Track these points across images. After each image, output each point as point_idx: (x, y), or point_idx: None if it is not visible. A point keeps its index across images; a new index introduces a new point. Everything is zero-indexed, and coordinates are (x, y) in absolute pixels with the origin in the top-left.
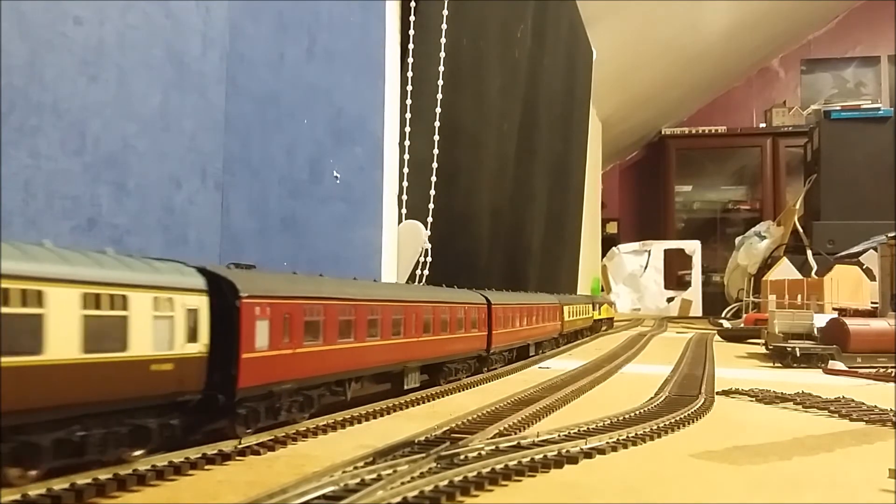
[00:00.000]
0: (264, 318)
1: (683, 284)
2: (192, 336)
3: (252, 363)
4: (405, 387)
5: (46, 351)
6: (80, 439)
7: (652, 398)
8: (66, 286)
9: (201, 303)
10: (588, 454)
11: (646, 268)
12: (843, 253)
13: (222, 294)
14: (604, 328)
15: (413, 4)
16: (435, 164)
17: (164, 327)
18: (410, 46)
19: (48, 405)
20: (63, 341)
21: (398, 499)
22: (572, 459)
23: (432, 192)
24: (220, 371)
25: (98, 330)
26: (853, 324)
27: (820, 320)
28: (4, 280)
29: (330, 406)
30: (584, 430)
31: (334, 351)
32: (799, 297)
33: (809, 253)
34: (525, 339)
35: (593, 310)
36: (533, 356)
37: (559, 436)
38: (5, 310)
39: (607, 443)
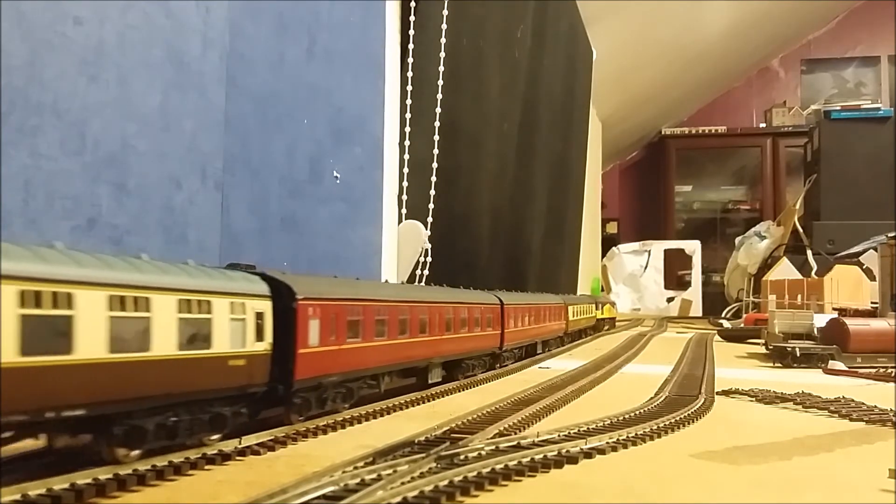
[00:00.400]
0: (315, 317)
1: (683, 284)
2: (259, 335)
3: (306, 358)
4: (429, 381)
5: (152, 348)
6: (174, 424)
7: (652, 398)
8: (166, 294)
9: (266, 307)
10: (588, 454)
11: (646, 268)
12: (843, 253)
13: (281, 296)
14: (606, 327)
15: (413, 4)
16: (435, 164)
17: (238, 328)
18: (410, 46)
19: (152, 394)
20: (163, 340)
21: (398, 499)
22: (572, 459)
23: (432, 192)
24: (280, 365)
25: (189, 331)
26: (853, 324)
27: (820, 320)
28: (122, 289)
29: (366, 398)
30: (584, 430)
31: (371, 347)
32: (799, 297)
33: (809, 253)
34: (533, 337)
35: (596, 309)
36: (540, 353)
37: (559, 436)
38: (123, 314)
39: (607, 443)
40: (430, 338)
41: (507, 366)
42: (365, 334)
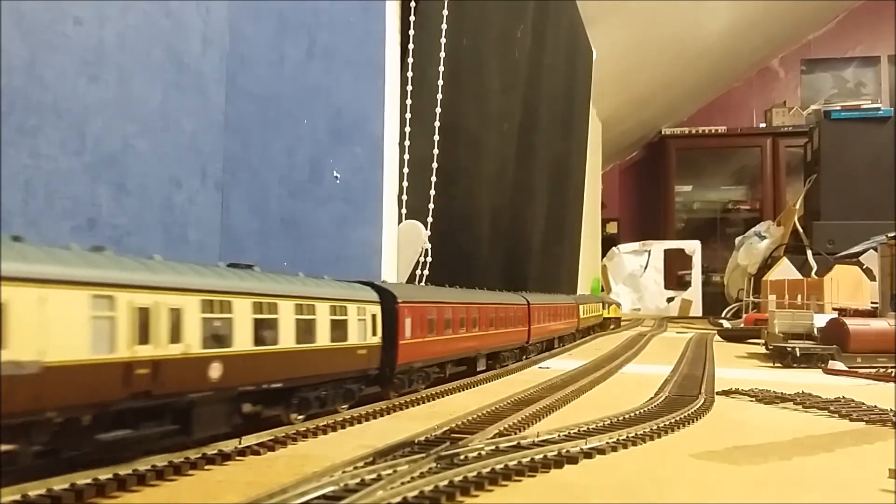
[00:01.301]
0: (409, 317)
1: (683, 284)
2: (374, 331)
3: (404, 348)
4: (476, 369)
5: (317, 341)
6: (324, 396)
7: (652, 398)
8: (323, 302)
9: (378, 310)
10: (588, 454)
11: (646, 268)
12: (843, 253)
13: (387, 301)
14: (612, 326)
15: (413, 4)
16: (435, 164)
17: (362, 326)
18: (410, 46)
19: (315, 374)
20: (322, 335)
21: (398, 499)
22: (572, 459)
23: (432, 192)
24: (386, 353)
25: (335, 328)
26: (853, 324)
27: (820, 320)
28: (302, 299)
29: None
30: (584, 431)
31: (442, 340)
32: (799, 297)
33: (809, 253)
34: (552, 333)
35: (603, 309)
36: (557, 347)
37: (559, 436)
38: (302, 316)
39: (607, 443)
40: (479, 333)
41: (530, 357)
42: (438, 330)
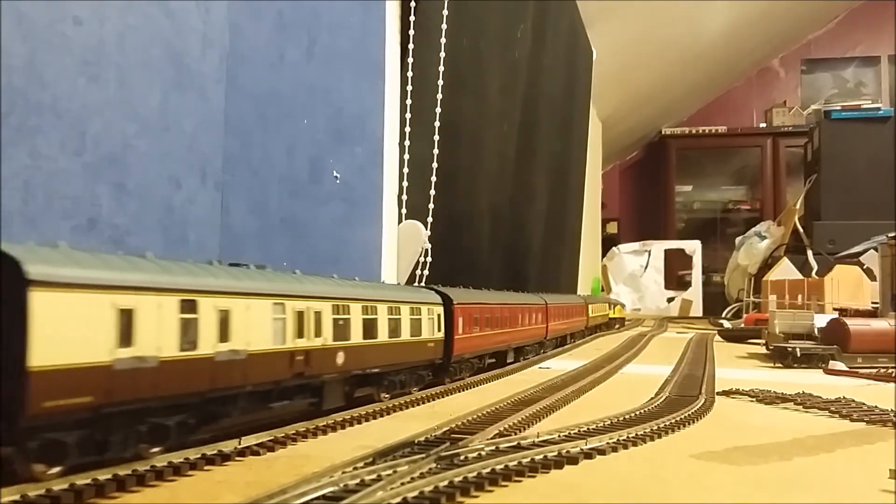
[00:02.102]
0: (461, 315)
1: (684, 284)
2: (439, 328)
3: (458, 342)
4: (506, 361)
5: (401, 335)
6: (403, 380)
7: (652, 398)
8: (405, 304)
9: (441, 310)
10: (588, 455)
11: (646, 268)
12: (843, 253)
13: (446, 302)
14: (617, 325)
15: (413, 4)
16: (435, 164)
17: (431, 324)
18: (410, 46)
19: (399, 362)
20: (405, 331)
21: (398, 499)
22: (572, 460)
23: (432, 192)
24: (446, 346)
25: (413, 325)
26: (854, 324)
27: (820, 320)
28: (391, 302)
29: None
30: (584, 431)
31: (484, 336)
32: (799, 297)
33: (810, 253)
34: (566, 330)
35: (609, 309)
36: (569, 343)
37: (559, 436)
38: (392, 316)
39: (607, 443)
40: (510, 330)
41: (546, 352)
42: (480, 327)
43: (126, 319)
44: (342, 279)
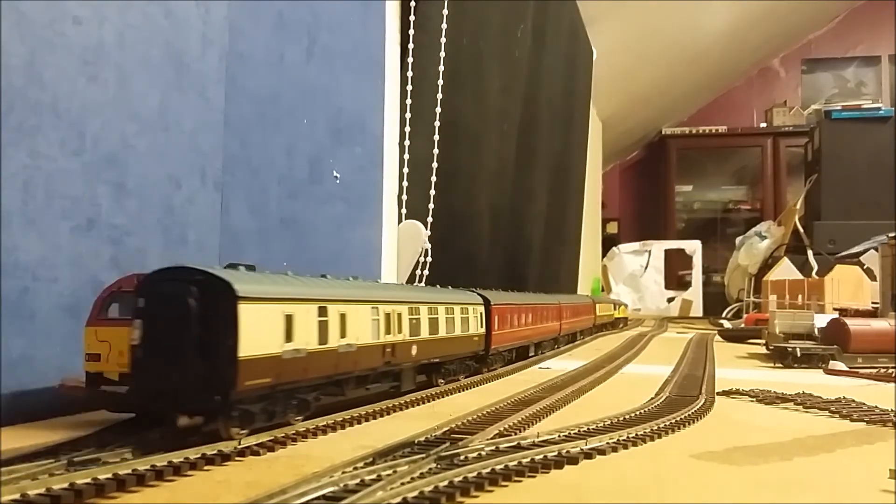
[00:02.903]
0: (497, 314)
1: (684, 284)
2: (481, 325)
3: (495, 336)
4: (528, 355)
5: (456, 331)
6: (455, 368)
7: (652, 398)
8: (458, 305)
9: (483, 310)
10: (588, 455)
11: (646, 268)
12: (843, 253)
13: (486, 303)
14: (621, 325)
15: (413, 4)
16: (435, 164)
17: (475, 321)
18: (410, 46)
19: (454, 353)
20: (458, 327)
21: (398, 499)
22: (572, 460)
23: (432, 192)
24: (486, 340)
25: (463, 322)
26: (854, 324)
27: (820, 320)
28: (454, 305)
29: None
30: (584, 431)
31: (514, 332)
32: (799, 297)
33: (810, 253)
34: (576, 327)
35: (614, 309)
36: (578, 339)
37: (559, 436)
38: (448, 315)
39: (607, 443)
40: (532, 327)
41: (559, 347)
42: (512, 324)
43: (289, 322)
44: (412, 287)
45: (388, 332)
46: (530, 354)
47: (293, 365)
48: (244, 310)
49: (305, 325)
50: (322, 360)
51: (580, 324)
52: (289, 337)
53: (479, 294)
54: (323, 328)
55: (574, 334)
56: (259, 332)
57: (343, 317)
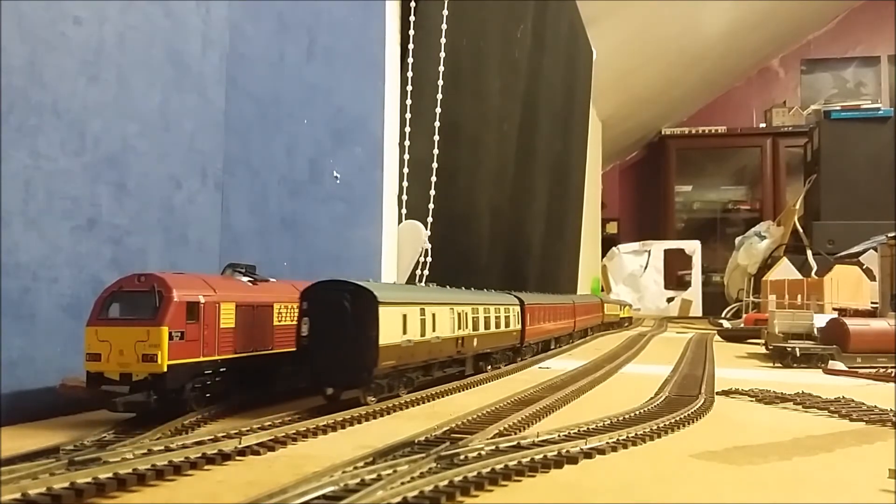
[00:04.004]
0: (529, 313)
1: (683, 284)
2: (518, 321)
3: (528, 331)
4: (550, 347)
5: (500, 327)
6: (499, 358)
7: (652, 398)
8: (500, 306)
9: (519, 309)
10: (588, 454)
11: (646, 268)
12: (843, 253)
13: (521, 303)
14: (626, 324)
15: (413, 4)
16: (435, 164)
17: (514, 318)
18: (410, 46)
19: (498, 345)
20: (500, 323)
21: (398, 499)
22: (572, 460)
23: (432, 192)
24: (521, 334)
25: (506, 319)
26: (853, 324)
27: (820, 320)
28: (496, 307)
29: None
30: (584, 431)
31: (542, 328)
32: (799, 297)
33: (809, 253)
34: (587, 324)
35: (619, 309)
36: (588, 336)
37: (559, 436)
38: (494, 315)
39: (607, 443)
40: (554, 324)
41: (573, 341)
42: (539, 321)
43: (404, 320)
44: (471, 290)
45: (459, 327)
46: (551, 347)
47: (406, 351)
48: (381, 311)
49: (413, 322)
50: (422, 348)
51: (591, 321)
52: (404, 331)
53: (515, 296)
54: (423, 325)
55: (585, 330)
56: (389, 327)
57: (434, 316)
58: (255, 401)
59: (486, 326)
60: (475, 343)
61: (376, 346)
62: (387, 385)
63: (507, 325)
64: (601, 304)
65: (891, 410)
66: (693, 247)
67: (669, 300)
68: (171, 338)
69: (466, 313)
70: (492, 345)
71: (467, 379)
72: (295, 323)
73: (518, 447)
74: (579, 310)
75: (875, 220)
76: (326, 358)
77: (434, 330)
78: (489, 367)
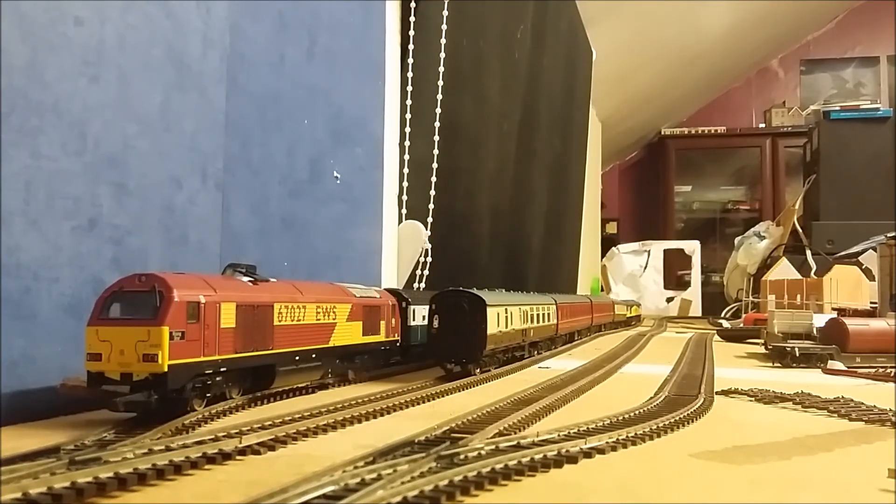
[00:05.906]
0: (560, 310)
1: (683, 284)
2: (554, 317)
3: (560, 325)
4: (573, 339)
5: (539, 322)
6: (540, 347)
7: (651, 398)
8: (543, 304)
9: (555, 307)
10: (588, 454)
11: (645, 268)
12: (842, 253)
13: (556, 301)
14: (633, 322)
15: (413, 4)
16: (435, 164)
17: (552, 315)
18: (410, 47)
19: (542, 336)
20: (538, 319)
21: (398, 498)
22: (572, 459)
23: (432, 192)
24: (556, 327)
25: (545, 315)
26: (852, 324)
27: (819, 320)
28: (532, 306)
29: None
30: (583, 430)
31: (569, 322)
32: (798, 297)
33: (809, 253)
34: (601, 320)
35: (628, 309)
36: (600, 332)
37: (559, 436)
38: (532, 312)
39: (607, 443)
40: (576, 319)
41: (589, 334)
42: (567, 317)
43: (499, 316)
44: (526, 293)
45: (524, 322)
46: (575, 339)
47: (501, 338)
48: (489, 311)
49: (502, 318)
50: (507, 336)
51: (604, 318)
52: (499, 324)
53: (550, 296)
54: (507, 320)
55: (600, 326)
56: (493, 321)
57: (511, 314)
58: (255, 400)
59: (537, 321)
60: (532, 333)
61: (485, 334)
62: (486, 362)
63: (548, 320)
64: (612, 305)
65: (890, 410)
66: (692, 247)
67: (669, 300)
68: (171, 338)
69: (527, 311)
70: (540, 335)
71: (467, 379)
72: (295, 322)
73: (518, 447)
74: (595, 308)
75: (874, 220)
76: (451, 343)
77: (511, 324)
78: (536, 352)
